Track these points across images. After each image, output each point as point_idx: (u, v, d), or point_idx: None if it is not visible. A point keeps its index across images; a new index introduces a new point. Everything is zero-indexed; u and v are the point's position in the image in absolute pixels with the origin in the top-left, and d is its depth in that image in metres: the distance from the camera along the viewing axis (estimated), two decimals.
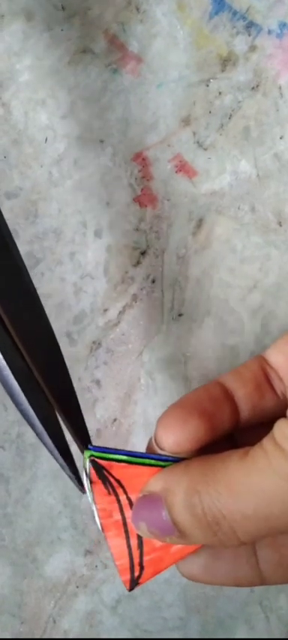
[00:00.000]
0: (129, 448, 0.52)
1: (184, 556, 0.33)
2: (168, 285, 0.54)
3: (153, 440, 0.32)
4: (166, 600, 0.53)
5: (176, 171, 0.55)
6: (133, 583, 0.34)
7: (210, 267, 0.54)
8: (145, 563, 0.33)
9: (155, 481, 0.31)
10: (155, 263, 0.54)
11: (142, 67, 0.56)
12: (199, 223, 0.54)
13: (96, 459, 0.32)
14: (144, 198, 0.55)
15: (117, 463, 0.31)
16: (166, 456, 0.31)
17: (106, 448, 0.32)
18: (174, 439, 0.30)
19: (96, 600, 0.53)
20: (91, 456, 0.32)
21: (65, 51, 0.56)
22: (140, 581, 0.33)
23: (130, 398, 0.53)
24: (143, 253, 0.54)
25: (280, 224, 0.54)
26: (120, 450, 0.32)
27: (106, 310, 0.54)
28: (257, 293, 0.54)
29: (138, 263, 0.54)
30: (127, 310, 0.54)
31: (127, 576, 0.34)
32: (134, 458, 0.31)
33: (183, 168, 0.55)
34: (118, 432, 0.53)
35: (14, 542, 0.53)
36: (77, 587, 0.53)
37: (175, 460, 0.31)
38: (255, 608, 0.53)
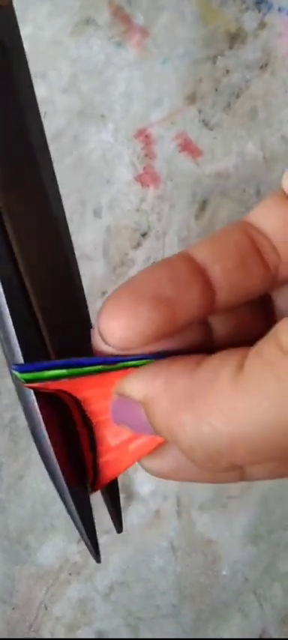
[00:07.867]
0: None
1: (146, 454, 0.27)
2: None
3: (96, 332, 0.24)
4: (159, 588, 0.53)
5: (180, 151, 0.54)
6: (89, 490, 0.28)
7: None
8: (99, 466, 0.28)
9: (131, 385, 0.24)
10: (156, 245, 0.53)
11: (147, 42, 0.54)
12: (203, 205, 0.53)
13: (27, 384, 0.25)
14: (146, 177, 0.53)
15: (54, 381, 0.24)
16: (121, 356, 0.24)
17: (37, 364, 0.24)
18: (121, 333, 0.23)
19: (89, 587, 0.53)
20: (18, 379, 0.25)
21: (67, 21, 0.54)
22: (96, 486, 0.28)
23: None
24: (144, 235, 0.53)
25: None
26: (57, 362, 0.24)
27: (104, 293, 0.53)
28: None
29: (138, 245, 0.53)
30: None
31: None
32: (77, 368, 0.24)
33: (187, 147, 0.54)
34: None
35: (6, 529, 0.52)
36: (70, 574, 0.53)
37: (133, 359, 0.24)
38: (249, 596, 0.53)
